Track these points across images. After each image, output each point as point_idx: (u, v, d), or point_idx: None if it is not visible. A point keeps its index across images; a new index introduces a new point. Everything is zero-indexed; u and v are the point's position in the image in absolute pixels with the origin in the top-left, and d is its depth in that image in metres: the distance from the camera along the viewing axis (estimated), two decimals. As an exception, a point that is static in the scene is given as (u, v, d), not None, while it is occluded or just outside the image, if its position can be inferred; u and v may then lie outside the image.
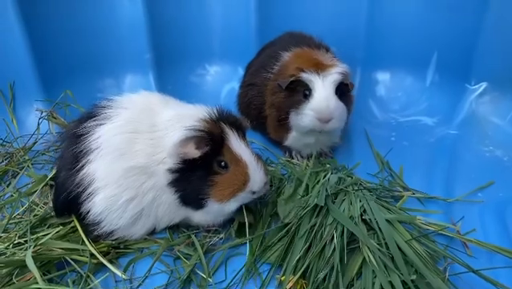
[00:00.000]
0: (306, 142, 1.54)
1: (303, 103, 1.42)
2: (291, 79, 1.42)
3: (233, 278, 1.13)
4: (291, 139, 1.56)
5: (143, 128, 1.15)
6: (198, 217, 1.22)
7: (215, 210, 1.18)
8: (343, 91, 1.44)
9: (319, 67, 1.42)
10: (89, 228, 1.17)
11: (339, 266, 1.04)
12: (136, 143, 1.13)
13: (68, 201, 1.15)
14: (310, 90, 1.41)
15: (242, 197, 1.18)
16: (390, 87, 2.05)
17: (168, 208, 1.19)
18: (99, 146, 1.12)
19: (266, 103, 1.57)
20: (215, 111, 1.19)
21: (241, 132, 1.20)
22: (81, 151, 1.13)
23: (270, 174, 1.41)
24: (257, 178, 1.17)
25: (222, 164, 1.15)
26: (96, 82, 2.03)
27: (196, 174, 1.13)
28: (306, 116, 1.41)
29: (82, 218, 1.17)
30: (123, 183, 1.12)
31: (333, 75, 1.41)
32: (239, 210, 1.27)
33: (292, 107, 1.45)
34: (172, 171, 1.12)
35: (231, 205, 1.17)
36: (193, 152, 1.10)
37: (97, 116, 1.17)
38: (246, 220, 1.22)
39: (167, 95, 1.29)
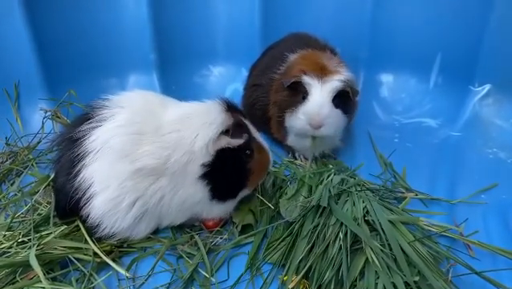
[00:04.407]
0: (303, 144, 1.55)
1: (300, 105, 1.42)
2: (293, 79, 1.42)
3: (239, 279, 1.14)
4: (290, 140, 1.58)
5: (147, 128, 1.13)
6: (216, 209, 1.23)
7: (231, 200, 1.24)
8: (345, 97, 1.43)
9: (322, 72, 1.41)
10: (91, 230, 1.16)
11: (343, 266, 1.04)
12: (140, 144, 1.11)
13: (69, 206, 1.13)
14: (307, 93, 1.42)
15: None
16: (393, 89, 2.05)
17: (179, 206, 1.18)
18: (96, 148, 1.09)
19: (270, 102, 1.58)
20: (226, 103, 1.21)
21: (246, 118, 1.26)
22: (78, 154, 1.10)
23: (273, 174, 1.43)
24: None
25: (248, 152, 1.19)
26: (100, 82, 2.03)
27: (230, 165, 1.17)
28: (298, 119, 1.42)
29: (83, 221, 1.17)
30: (126, 185, 1.10)
31: (333, 82, 1.40)
32: (240, 211, 1.28)
33: (290, 108, 1.46)
34: (205, 165, 1.13)
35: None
36: (234, 141, 1.14)
37: (93, 117, 1.14)
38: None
39: (166, 95, 1.28)
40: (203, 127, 1.12)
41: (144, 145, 1.11)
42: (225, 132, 1.14)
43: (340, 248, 1.08)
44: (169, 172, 1.12)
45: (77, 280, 1.11)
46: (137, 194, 1.12)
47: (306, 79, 1.41)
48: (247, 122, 1.24)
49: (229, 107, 1.20)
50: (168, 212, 1.19)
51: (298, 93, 1.45)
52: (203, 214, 1.25)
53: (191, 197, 1.17)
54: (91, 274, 1.12)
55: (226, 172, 1.17)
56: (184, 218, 1.24)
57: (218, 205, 1.22)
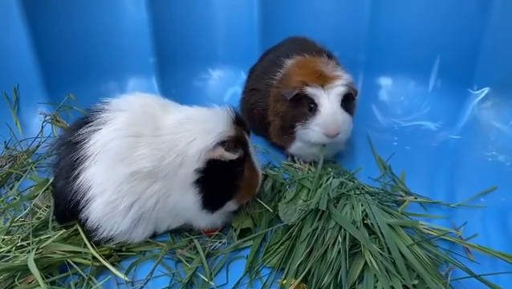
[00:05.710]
0: (310, 152, 1.54)
1: (310, 117, 1.42)
2: (296, 91, 1.41)
3: (238, 283, 1.13)
4: (295, 148, 1.56)
5: (145, 131, 1.13)
6: (207, 218, 1.22)
7: (221, 211, 1.22)
8: (347, 99, 1.44)
9: (324, 80, 1.41)
10: (89, 234, 1.17)
11: (342, 270, 1.04)
12: (137, 147, 1.10)
13: (68, 210, 1.14)
14: (315, 104, 1.41)
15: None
16: (392, 92, 2.05)
17: (171, 211, 1.18)
18: (96, 151, 1.09)
19: (269, 109, 1.57)
20: (230, 113, 1.18)
21: (249, 135, 1.24)
22: (77, 158, 1.11)
23: (272, 178, 1.43)
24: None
25: (239, 169, 1.17)
26: (100, 85, 2.03)
27: (219, 176, 1.15)
28: (314, 131, 1.42)
29: (82, 224, 1.17)
30: (123, 188, 1.10)
31: (338, 88, 1.40)
32: (239, 215, 1.28)
33: (298, 120, 1.45)
34: (198, 171, 1.11)
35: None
36: (228, 155, 1.12)
37: (92, 120, 1.14)
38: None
39: (166, 99, 1.27)
40: (202, 133, 1.11)
41: (140, 148, 1.11)
42: (222, 144, 1.11)
43: (339, 252, 1.08)
44: (163, 174, 1.11)
45: (76, 284, 1.10)
46: (134, 197, 1.12)
47: (310, 90, 1.40)
48: (248, 139, 1.22)
49: (235, 119, 1.18)
50: (164, 216, 1.19)
51: (302, 104, 1.44)
52: (192, 222, 1.23)
53: (181, 201, 1.16)
54: (89, 279, 1.12)
55: (216, 181, 1.14)
56: (180, 223, 1.24)
57: (206, 214, 1.20)
